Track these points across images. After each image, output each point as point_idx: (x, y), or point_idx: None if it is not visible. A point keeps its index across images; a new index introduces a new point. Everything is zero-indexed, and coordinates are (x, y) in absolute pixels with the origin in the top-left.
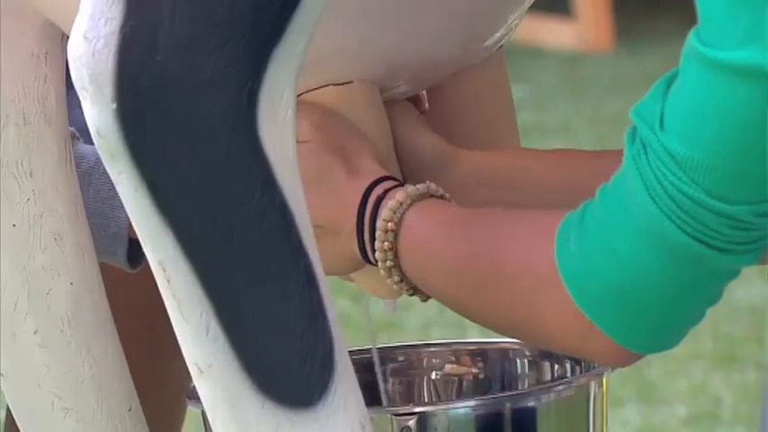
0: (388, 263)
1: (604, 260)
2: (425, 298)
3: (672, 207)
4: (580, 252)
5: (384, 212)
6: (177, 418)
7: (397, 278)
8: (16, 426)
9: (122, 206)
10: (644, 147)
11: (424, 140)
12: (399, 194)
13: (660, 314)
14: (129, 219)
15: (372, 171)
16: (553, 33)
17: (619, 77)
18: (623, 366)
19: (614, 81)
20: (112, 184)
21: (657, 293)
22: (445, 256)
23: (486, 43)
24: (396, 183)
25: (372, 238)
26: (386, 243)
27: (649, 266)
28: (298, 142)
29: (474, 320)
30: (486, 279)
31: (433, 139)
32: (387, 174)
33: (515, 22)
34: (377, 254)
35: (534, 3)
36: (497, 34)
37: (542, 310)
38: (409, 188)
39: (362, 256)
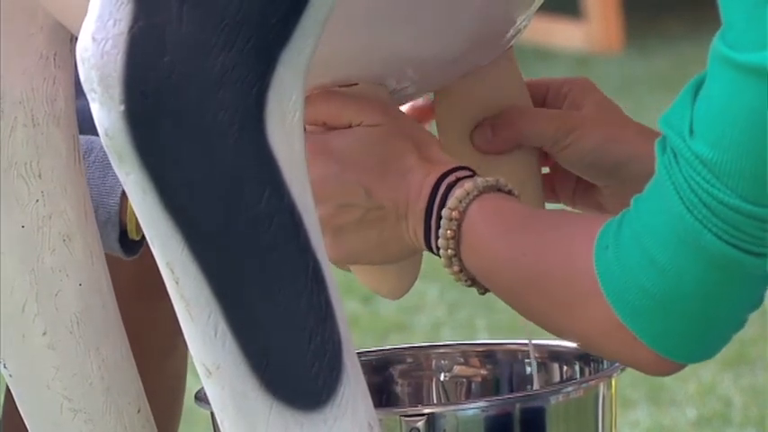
0: (450, 251)
1: (643, 270)
2: (483, 291)
3: (707, 215)
4: (618, 263)
5: (451, 201)
6: (174, 411)
7: (456, 268)
8: (16, 413)
9: (112, 192)
10: (675, 156)
11: None
12: (468, 184)
13: (701, 323)
14: (119, 205)
15: (445, 160)
16: (563, 34)
17: (629, 79)
18: (668, 375)
19: (624, 82)
20: (102, 171)
21: (698, 302)
22: (498, 250)
23: (496, 44)
24: (468, 173)
25: (438, 226)
26: (449, 231)
27: (688, 275)
28: (368, 126)
29: (528, 319)
30: (531, 282)
31: None
32: (460, 164)
33: (524, 22)
34: (440, 241)
35: (543, 3)
36: (506, 35)
37: (584, 321)
38: (478, 179)
39: (425, 243)
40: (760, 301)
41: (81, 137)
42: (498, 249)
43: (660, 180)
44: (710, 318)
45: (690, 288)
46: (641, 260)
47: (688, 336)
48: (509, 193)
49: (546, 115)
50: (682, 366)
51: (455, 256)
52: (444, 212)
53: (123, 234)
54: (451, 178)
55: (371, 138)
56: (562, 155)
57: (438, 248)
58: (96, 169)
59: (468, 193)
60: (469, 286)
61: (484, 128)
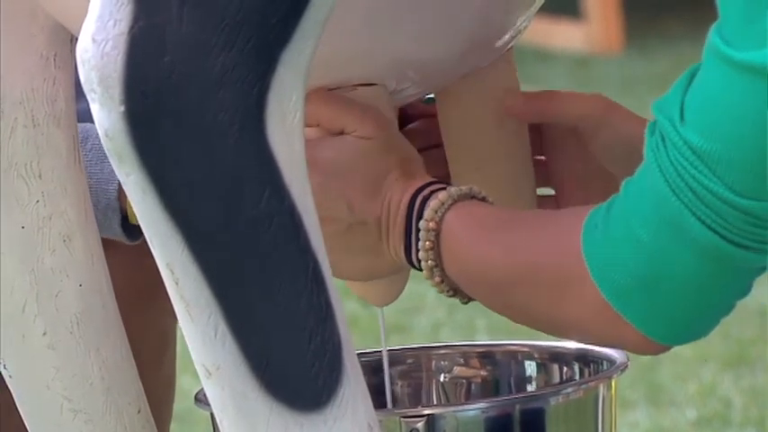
0: (430, 262)
1: (629, 249)
2: (466, 300)
3: (692, 199)
4: (605, 241)
5: (427, 212)
6: (165, 413)
7: (438, 278)
8: (16, 413)
9: (110, 179)
10: (663, 139)
11: None
12: (441, 194)
13: (684, 305)
14: (117, 189)
15: (423, 176)
16: (563, 35)
17: (629, 79)
18: (655, 354)
19: (624, 83)
20: (99, 159)
21: (681, 284)
22: (481, 252)
23: (496, 45)
24: (442, 185)
25: (418, 239)
26: (428, 242)
27: (672, 257)
28: (358, 138)
29: (513, 319)
30: (519, 277)
31: None
32: (435, 179)
33: (524, 23)
34: (420, 253)
35: (543, 4)
36: (506, 36)
37: (575, 306)
38: (452, 189)
39: (406, 257)
40: (747, 289)
41: (81, 125)
42: (481, 252)
43: (647, 163)
44: (693, 301)
45: (673, 269)
46: (627, 239)
47: (670, 317)
48: (483, 200)
49: (590, 97)
50: (667, 348)
51: (436, 266)
52: (421, 224)
53: (124, 219)
54: (426, 192)
55: (360, 151)
56: (601, 137)
57: (419, 261)
58: (94, 156)
59: (442, 204)
60: (451, 296)
61: (520, 97)
